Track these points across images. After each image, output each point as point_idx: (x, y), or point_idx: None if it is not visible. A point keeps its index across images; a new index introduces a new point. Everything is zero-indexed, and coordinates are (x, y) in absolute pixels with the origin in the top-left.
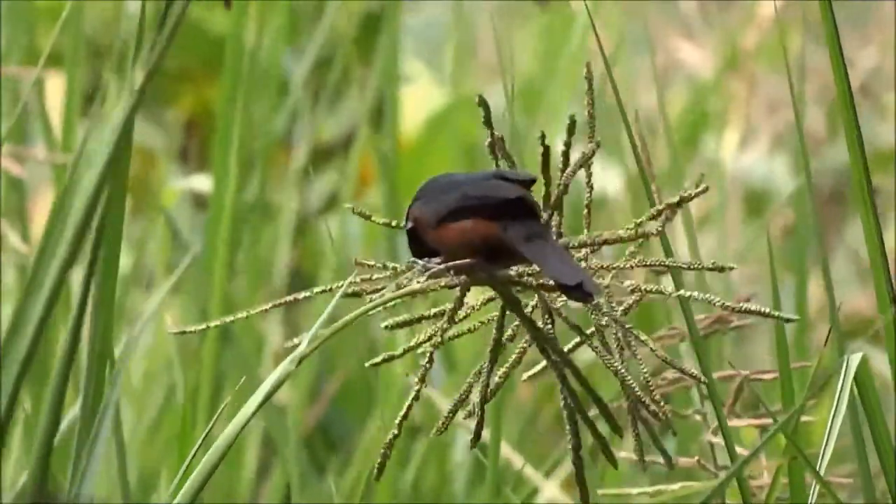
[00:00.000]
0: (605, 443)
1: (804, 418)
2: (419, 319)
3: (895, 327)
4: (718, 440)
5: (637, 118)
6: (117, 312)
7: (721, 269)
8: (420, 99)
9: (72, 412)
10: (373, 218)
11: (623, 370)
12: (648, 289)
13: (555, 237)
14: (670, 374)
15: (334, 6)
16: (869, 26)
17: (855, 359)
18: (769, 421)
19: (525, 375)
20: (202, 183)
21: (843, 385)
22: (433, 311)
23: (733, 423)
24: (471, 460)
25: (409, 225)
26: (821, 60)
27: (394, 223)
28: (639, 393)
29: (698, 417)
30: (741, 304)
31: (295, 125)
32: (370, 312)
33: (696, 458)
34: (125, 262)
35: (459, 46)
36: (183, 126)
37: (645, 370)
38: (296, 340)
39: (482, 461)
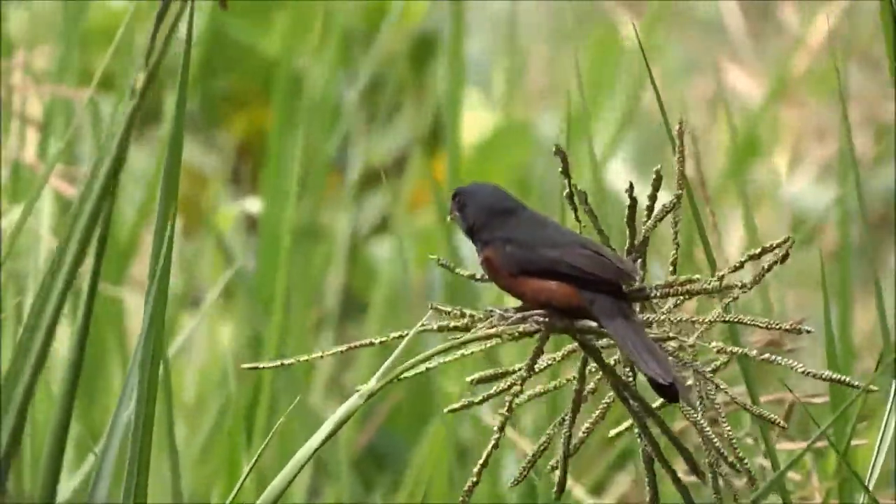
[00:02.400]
0: (688, 495)
1: (855, 441)
2: (503, 374)
3: None
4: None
5: (683, 144)
6: (167, 332)
7: (798, 332)
8: (471, 124)
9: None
10: (457, 270)
11: (706, 427)
12: (728, 349)
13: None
14: (720, 397)
15: (387, 28)
16: None
17: None
18: (821, 444)
19: (612, 432)
20: (254, 205)
21: (891, 408)
22: (516, 366)
23: (784, 445)
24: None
25: (479, 258)
26: (867, 87)
27: (476, 275)
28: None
29: (750, 440)
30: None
31: (347, 148)
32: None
33: (747, 480)
34: (176, 282)
35: (510, 71)
36: (236, 149)
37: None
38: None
39: (533, 482)
